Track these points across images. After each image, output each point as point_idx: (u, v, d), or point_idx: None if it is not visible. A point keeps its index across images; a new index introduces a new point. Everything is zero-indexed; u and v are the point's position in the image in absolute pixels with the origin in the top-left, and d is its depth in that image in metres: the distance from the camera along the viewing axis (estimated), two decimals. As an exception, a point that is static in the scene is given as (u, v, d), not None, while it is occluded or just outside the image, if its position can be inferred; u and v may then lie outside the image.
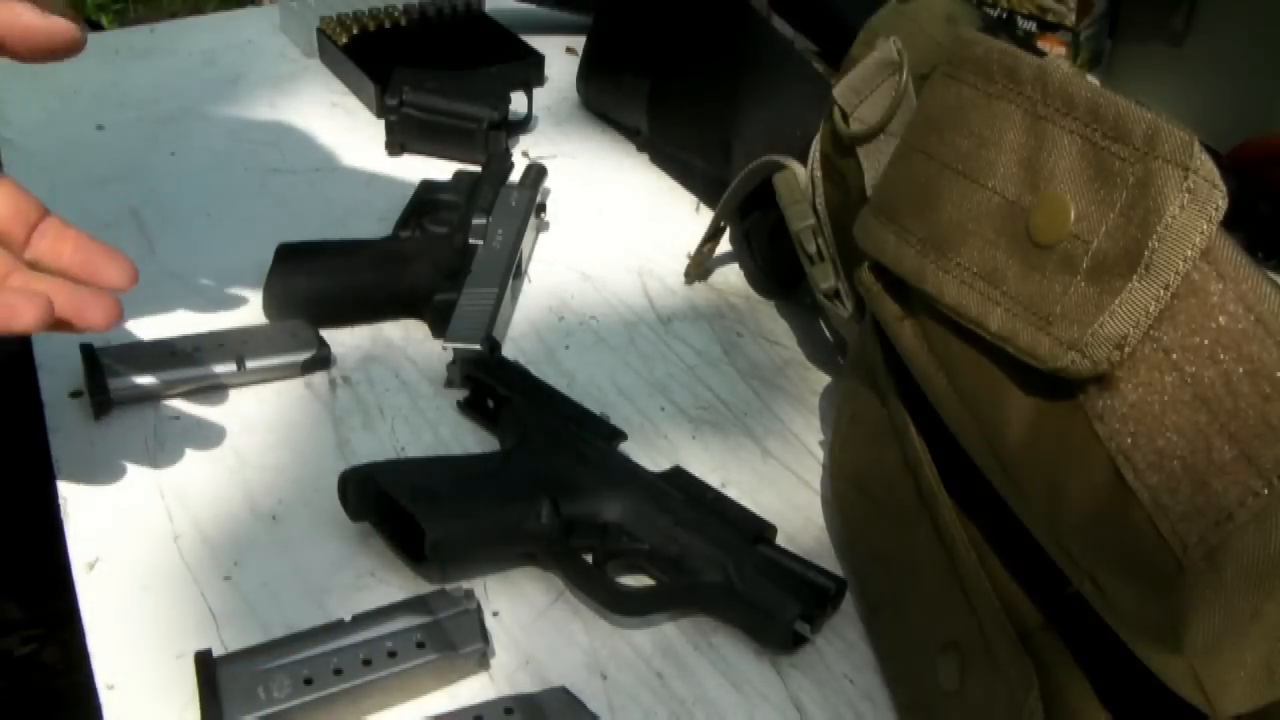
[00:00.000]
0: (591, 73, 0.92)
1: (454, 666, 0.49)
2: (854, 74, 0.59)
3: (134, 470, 0.58)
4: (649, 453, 0.62)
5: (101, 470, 0.58)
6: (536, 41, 1.00)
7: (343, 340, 0.68)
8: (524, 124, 0.91)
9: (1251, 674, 0.33)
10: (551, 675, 0.50)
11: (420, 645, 0.48)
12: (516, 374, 0.64)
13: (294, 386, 0.64)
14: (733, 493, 0.57)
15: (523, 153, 0.88)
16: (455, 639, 0.49)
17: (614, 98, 0.91)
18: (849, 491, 0.55)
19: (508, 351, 0.68)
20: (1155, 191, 0.36)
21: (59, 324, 0.50)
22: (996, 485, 0.42)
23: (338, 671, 0.47)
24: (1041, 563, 0.40)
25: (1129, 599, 0.35)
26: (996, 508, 0.42)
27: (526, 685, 0.49)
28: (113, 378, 0.60)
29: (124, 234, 0.74)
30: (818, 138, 0.63)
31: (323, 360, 0.65)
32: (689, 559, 0.53)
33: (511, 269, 0.71)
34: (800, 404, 0.67)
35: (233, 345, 0.63)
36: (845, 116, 0.59)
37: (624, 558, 0.55)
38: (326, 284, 0.68)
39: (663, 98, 0.85)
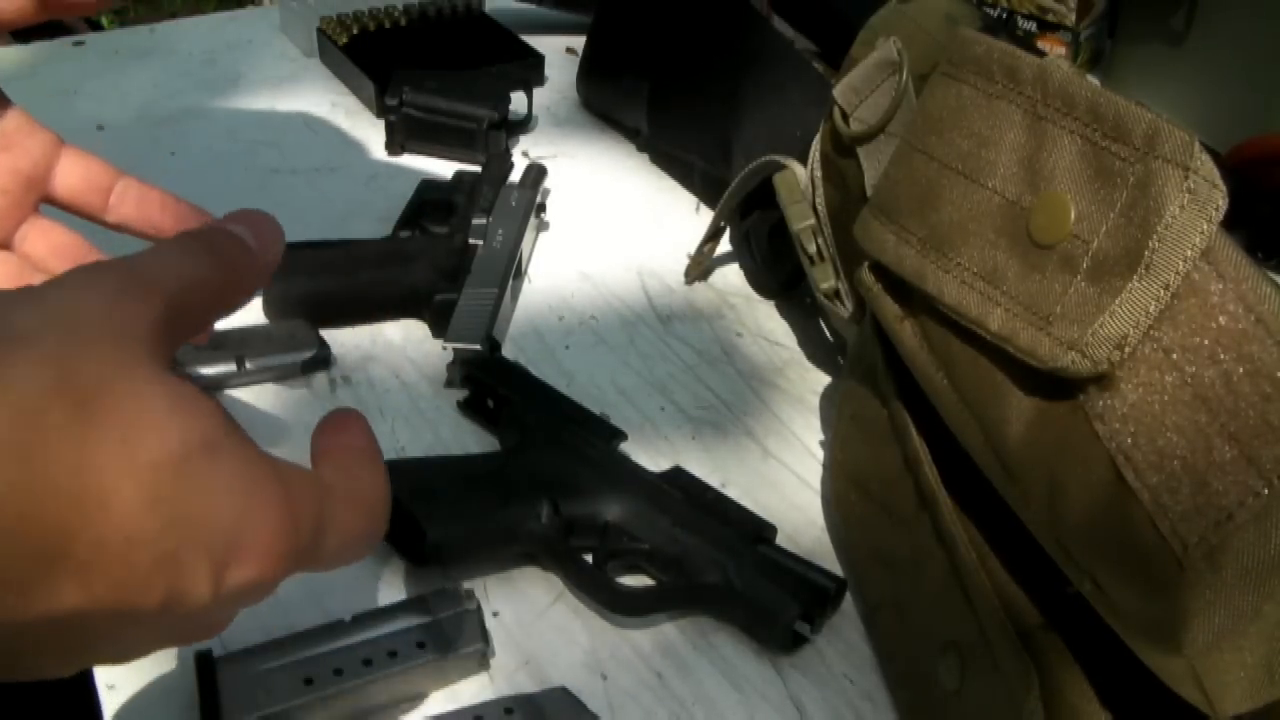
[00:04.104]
0: (591, 73, 0.92)
1: (454, 666, 0.49)
2: (854, 74, 0.59)
3: (134, 470, 0.58)
4: (649, 453, 0.62)
5: (101, 470, 0.58)
6: (536, 41, 1.00)
7: (343, 340, 0.68)
8: (524, 124, 0.91)
9: (1251, 674, 0.33)
10: (551, 675, 0.50)
11: (420, 645, 0.48)
12: (516, 374, 0.64)
13: (294, 386, 0.64)
14: (733, 493, 0.57)
15: (523, 153, 0.88)
16: (455, 639, 0.49)
17: (614, 98, 0.91)
18: (849, 491, 0.55)
19: (508, 351, 0.68)
20: (1155, 191, 0.36)
21: None
22: (996, 485, 0.42)
23: (338, 671, 0.47)
24: (1041, 563, 0.40)
25: (1129, 599, 0.35)
26: (996, 508, 0.42)
27: (526, 685, 0.49)
28: (113, 378, 0.60)
29: (123, 234, 0.74)
30: (818, 138, 0.63)
31: (323, 360, 0.65)
32: (689, 559, 0.53)
33: (511, 269, 0.71)
34: (800, 404, 0.67)
35: (233, 345, 0.63)
36: (845, 116, 0.59)
37: (624, 558, 0.55)
38: (326, 284, 0.68)
39: (663, 98, 0.85)
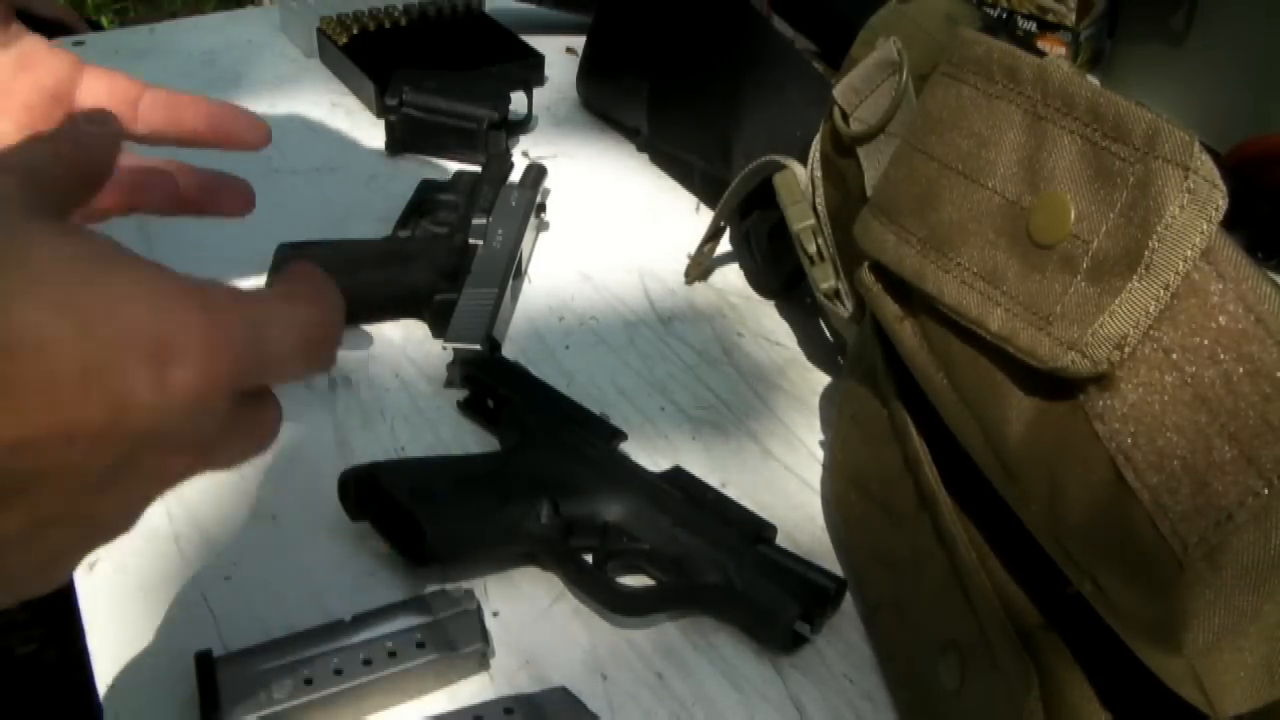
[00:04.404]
0: (591, 73, 0.92)
1: (454, 666, 0.49)
2: (854, 74, 0.59)
3: (134, 470, 0.58)
4: (649, 453, 0.62)
5: (101, 470, 0.58)
6: (536, 41, 1.00)
7: (343, 340, 0.68)
8: (524, 124, 0.91)
9: (1251, 674, 0.33)
10: (551, 675, 0.50)
11: (420, 645, 0.48)
12: (516, 374, 0.64)
13: (294, 386, 0.64)
14: (733, 493, 0.57)
15: (523, 153, 0.88)
16: (455, 639, 0.49)
17: (614, 98, 0.91)
18: (849, 491, 0.55)
19: (508, 351, 0.68)
20: (1155, 191, 0.36)
21: (186, 205, 0.53)
22: (996, 485, 0.42)
23: (338, 671, 0.47)
24: (1041, 563, 0.40)
25: (1129, 599, 0.35)
26: (996, 508, 0.42)
27: (526, 685, 0.49)
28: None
29: (123, 234, 0.74)
30: (818, 138, 0.63)
31: (323, 360, 0.65)
32: (689, 559, 0.53)
33: (511, 269, 0.71)
34: (800, 404, 0.67)
35: (233, 345, 0.63)
36: (845, 116, 0.59)
37: (624, 558, 0.55)
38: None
39: (663, 98, 0.85)
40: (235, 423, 0.32)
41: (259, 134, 0.54)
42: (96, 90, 0.51)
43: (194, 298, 0.29)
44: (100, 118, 0.37)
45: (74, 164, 0.34)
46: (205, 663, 0.47)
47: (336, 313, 0.36)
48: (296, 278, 0.36)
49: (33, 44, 0.50)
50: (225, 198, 0.55)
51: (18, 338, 0.26)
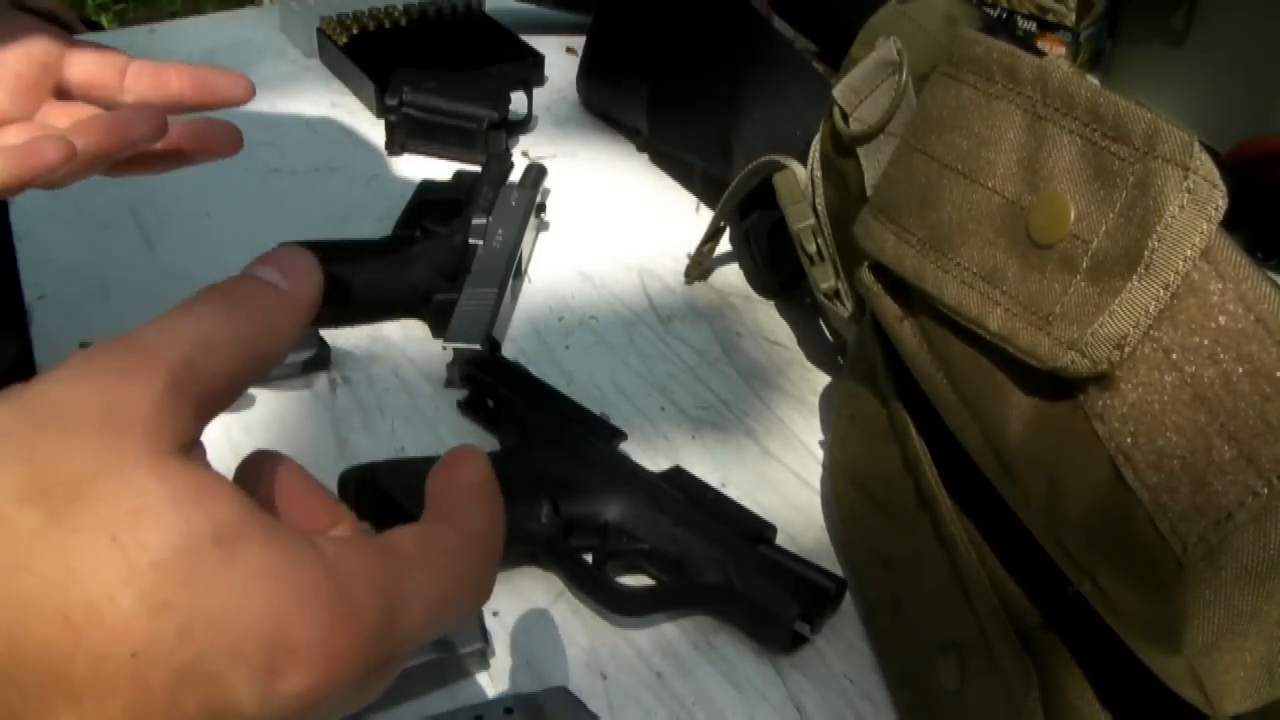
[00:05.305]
0: (591, 73, 0.92)
1: (454, 666, 0.49)
2: (854, 74, 0.59)
3: (134, 470, 0.58)
4: (649, 453, 0.62)
5: (101, 470, 0.58)
6: (536, 41, 1.00)
7: (343, 340, 0.68)
8: (524, 124, 0.91)
9: (1251, 674, 0.33)
10: (551, 675, 0.50)
11: (420, 645, 0.48)
12: (517, 374, 0.64)
13: (294, 386, 0.64)
14: (733, 493, 0.57)
15: (523, 153, 0.88)
16: (455, 639, 0.49)
17: (614, 98, 0.91)
18: (849, 491, 0.55)
19: (508, 351, 0.68)
20: (1155, 191, 0.36)
21: (181, 154, 0.53)
22: (996, 485, 0.42)
23: (338, 671, 0.47)
24: (1041, 563, 0.40)
25: (1129, 599, 0.35)
26: (996, 508, 0.42)
27: (526, 685, 0.49)
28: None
29: (123, 234, 0.74)
30: (818, 138, 0.63)
31: (323, 360, 0.65)
32: (689, 559, 0.53)
33: (511, 269, 0.71)
34: (800, 404, 0.67)
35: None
36: (845, 116, 0.59)
37: (624, 558, 0.55)
38: (326, 284, 0.68)
39: (663, 98, 0.85)
40: (355, 692, 0.27)
41: (242, 87, 0.55)
42: (85, 60, 0.52)
43: (322, 593, 0.25)
44: (293, 261, 0.30)
45: (250, 346, 0.28)
46: (205, 663, 0.47)
47: (493, 549, 0.30)
48: (454, 492, 0.30)
49: (21, 18, 0.51)
50: (215, 138, 0.55)
51: (112, 646, 0.22)
